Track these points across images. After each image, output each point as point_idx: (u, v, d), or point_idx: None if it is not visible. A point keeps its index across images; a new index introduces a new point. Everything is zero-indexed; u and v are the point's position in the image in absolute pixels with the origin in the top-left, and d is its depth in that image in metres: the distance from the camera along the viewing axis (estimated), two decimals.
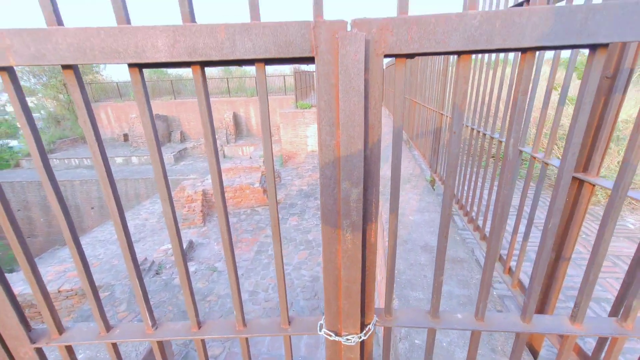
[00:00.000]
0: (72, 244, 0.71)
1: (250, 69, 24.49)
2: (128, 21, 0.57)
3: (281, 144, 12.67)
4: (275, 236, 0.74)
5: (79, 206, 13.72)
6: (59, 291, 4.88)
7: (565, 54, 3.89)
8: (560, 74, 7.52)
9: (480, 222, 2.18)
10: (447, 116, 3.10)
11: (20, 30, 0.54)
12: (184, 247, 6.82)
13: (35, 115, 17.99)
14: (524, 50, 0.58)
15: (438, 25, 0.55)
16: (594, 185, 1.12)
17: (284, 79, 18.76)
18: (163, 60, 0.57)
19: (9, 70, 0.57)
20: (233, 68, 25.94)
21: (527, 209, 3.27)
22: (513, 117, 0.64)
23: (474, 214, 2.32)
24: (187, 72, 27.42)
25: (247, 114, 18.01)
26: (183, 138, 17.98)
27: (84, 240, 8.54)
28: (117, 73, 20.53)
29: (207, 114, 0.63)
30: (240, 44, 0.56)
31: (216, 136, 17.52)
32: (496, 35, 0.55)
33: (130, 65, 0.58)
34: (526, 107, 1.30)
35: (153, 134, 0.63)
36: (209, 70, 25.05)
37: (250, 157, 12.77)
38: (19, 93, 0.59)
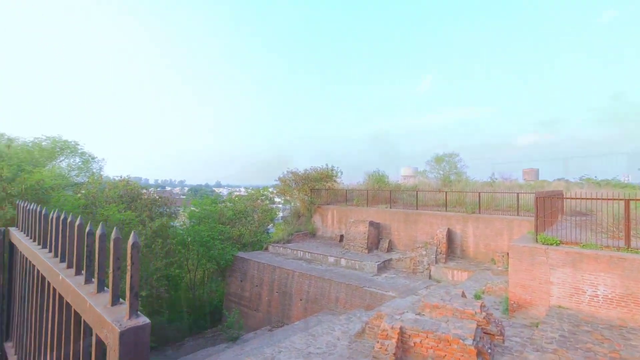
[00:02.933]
0: None
1: (474, 179, 22.19)
2: None
3: (508, 281, 9.11)
4: None
5: (291, 295, 15.34)
6: None
7: None
8: None
9: None
10: None
11: None
12: None
13: (287, 206, 23.94)
14: None
15: None
16: None
17: (518, 196, 15.15)
18: None
19: None
20: (453, 177, 24.40)
21: None
22: None
23: None
24: (405, 181, 28.91)
25: (464, 232, 15.41)
26: (390, 247, 17.54)
27: (280, 343, 8.58)
28: (347, 180, 24.34)
29: None
30: None
31: (424, 252, 15.42)
32: None
33: None
34: None
35: None
36: (425, 183, 25.04)
37: (464, 294, 9.83)
38: None
